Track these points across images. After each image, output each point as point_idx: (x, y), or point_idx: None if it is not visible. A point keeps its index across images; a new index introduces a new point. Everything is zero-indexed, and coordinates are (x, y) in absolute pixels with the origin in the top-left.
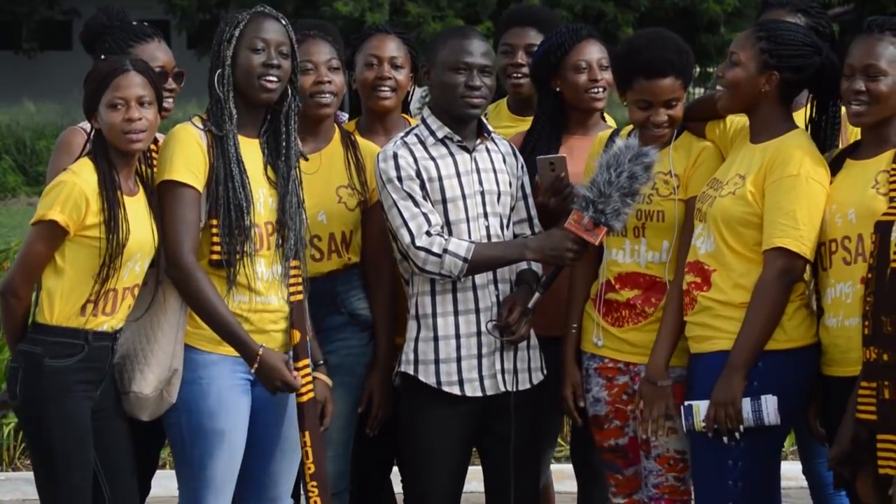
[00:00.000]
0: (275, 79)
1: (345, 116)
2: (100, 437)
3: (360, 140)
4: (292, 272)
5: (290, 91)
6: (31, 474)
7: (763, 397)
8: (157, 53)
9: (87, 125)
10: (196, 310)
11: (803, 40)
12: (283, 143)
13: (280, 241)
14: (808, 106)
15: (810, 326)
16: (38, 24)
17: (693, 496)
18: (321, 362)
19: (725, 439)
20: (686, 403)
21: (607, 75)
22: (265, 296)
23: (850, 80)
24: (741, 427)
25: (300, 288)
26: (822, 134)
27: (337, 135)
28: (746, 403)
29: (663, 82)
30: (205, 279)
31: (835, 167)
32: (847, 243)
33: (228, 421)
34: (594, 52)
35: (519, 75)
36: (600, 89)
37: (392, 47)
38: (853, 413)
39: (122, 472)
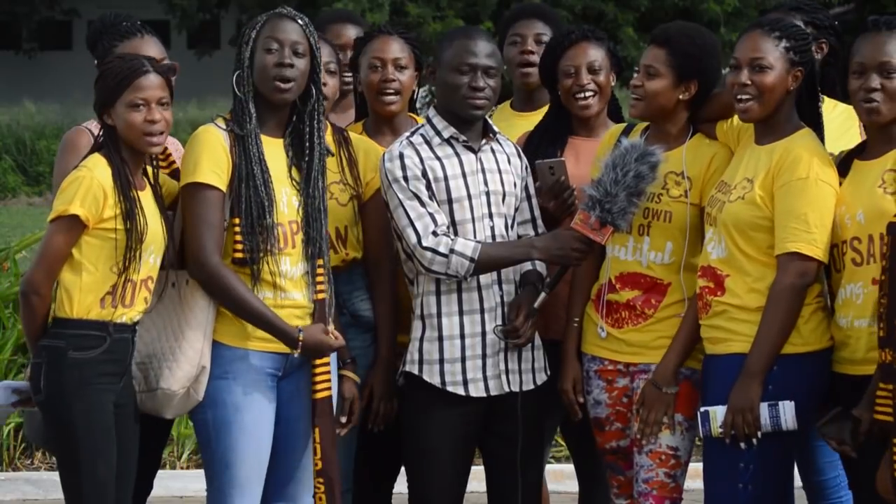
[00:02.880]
0: (288, 78)
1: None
2: (116, 434)
3: (352, 136)
4: (318, 270)
5: (314, 90)
6: (31, 474)
7: (781, 403)
8: (143, 48)
9: (91, 125)
10: (228, 307)
11: (810, 32)
12: (308, 143)
13: (305, 240)
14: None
15: (826, 329)
16: (39, 24)
17: (682, 494)
18: (349, 360)
19: (743, 445)
20: (702, 409)
21: (601, 77)
22: (289, 292)
23: (862, 78)
24: (759, 433)
25: (325, 286)
26: (817, 131)
27: (329, 132)
28: (764, 409)
29: (650, 48)
30: (231, 275)
31: (843, 168)
32: (857, 244)
33: (254, 415)
34: (582, 56)
35: (528, 63)
36: (588, 94)
37: (395, 49)
38: (868, 409)
39: (128, 471)
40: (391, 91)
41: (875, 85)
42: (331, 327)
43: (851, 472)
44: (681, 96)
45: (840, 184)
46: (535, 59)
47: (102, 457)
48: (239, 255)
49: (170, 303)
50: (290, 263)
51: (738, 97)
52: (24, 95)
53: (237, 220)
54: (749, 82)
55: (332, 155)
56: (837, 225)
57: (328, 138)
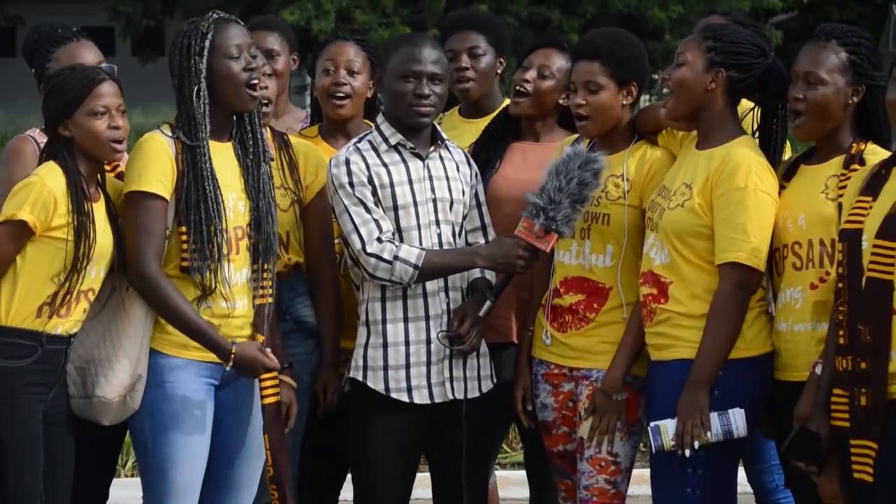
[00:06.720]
0: (258, 84)
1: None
2: (45, 442)
3: (292, 139)
4: (265, 275)
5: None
6: None
7: (731, 411)
8: (81, 52)
9: (35, 133)
10: (165, 317)
11: (749, 40)
12: (251, 145)
13: (250, 245)
14: (752, 116)
15: (770, 333)
16: None
17: (625, 501)
18: (286, 365)
19: (687, 452)
20: (653, 424)
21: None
22: (232, 301)
23: (793, 87)
24: (710, 438)
25: (269, 291)
26: (773, 144)
27: (269, 136)
28: (715, 418)
29: (580, 63)
30: (170, 286)
31: (790, 172)
32: (797, 249)
33: (192, 426)
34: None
35: (465, 79)
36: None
37: (350, 53)
38: (824, 421)
39: (61, 479)
40: (341, 94)
41: (798, 95)
42: (268, 350)
43: (787, 470)
44: (624, 102)
45: (785, 187)
46: (471, 73)
47: (28, 468)
48: (185, 263)
49: (110, 309)
50: (233, 269)
51: (664, 90)
52: None
53: (184, 229)
54: (668, 77)
55: (273, 159)
56: (779, 228)
57: (268, 141)
